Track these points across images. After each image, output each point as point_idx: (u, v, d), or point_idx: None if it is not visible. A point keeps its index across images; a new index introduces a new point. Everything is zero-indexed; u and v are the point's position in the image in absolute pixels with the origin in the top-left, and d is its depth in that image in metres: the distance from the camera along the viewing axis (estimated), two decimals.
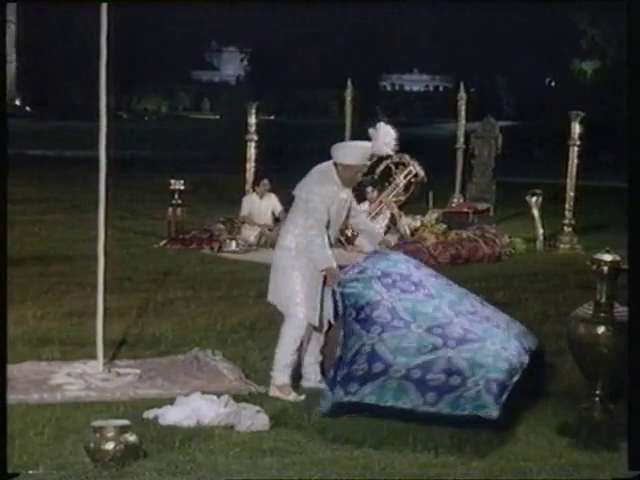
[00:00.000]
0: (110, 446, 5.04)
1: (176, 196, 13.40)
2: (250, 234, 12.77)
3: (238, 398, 6.04)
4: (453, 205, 15.10)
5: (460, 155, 15.77)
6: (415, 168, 13.05)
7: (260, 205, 12.96)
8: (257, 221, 12.92)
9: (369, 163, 7.09)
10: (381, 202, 12.78)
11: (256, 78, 58.88)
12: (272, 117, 46.21)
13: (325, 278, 6.27)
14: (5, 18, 5.08)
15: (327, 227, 6.31)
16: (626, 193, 5.19)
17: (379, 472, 5.10)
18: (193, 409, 5.76)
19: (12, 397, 5.64)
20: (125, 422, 5.25)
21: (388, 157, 13.43)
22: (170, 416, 5.73)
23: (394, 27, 53.11)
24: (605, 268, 5.59)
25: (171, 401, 5.93)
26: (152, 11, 44.81)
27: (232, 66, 69.95)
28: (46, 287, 9.56)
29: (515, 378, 5.64)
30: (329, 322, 6.43)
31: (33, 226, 13.94)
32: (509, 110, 47.50)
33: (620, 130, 5.41)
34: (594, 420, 5.69)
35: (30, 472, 4.93)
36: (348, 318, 5.99)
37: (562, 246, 13.15)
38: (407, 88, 67.93)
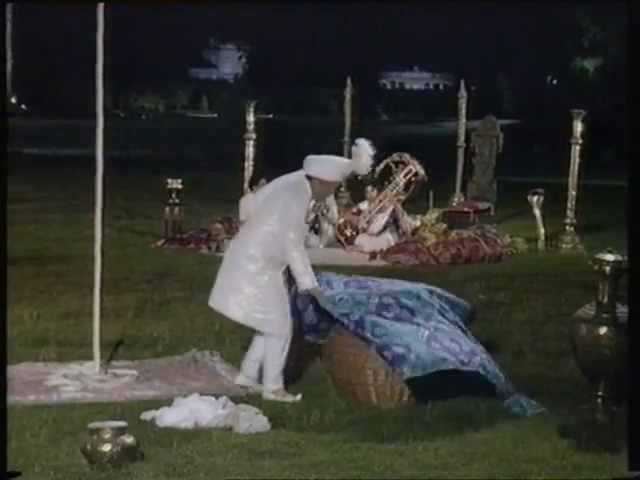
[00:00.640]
0: (107, 448, 5.03)
1: (173, 195, 13.36)
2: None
3: (236, 399, 6.03)
4: (454, 204, 15.06)
5: (461, 154, 15.74)
6: (415, 167, 13.01)
7: None
8: None
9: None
10: (381, 201, 12.73)
11: (254, 76, 58.87)
12: (270, 115, 46.17)
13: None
14: (5, 18, 5.05)
15: None
16: (626, 192, 5.16)
17: (378, 473, 5.08)
18: (191, 410, 5.75)
19: (8, 398, 5.58)
20: (122, 424, 5.25)
21: (388, 156, 13.43)
22: (168, 417, 5.71)
23: (394, 25, 53.14)
24: (607, 268, 5.56)
25: (169, 402, 5.92)
26: (149, 8, 44.79)
27: (230, 64, 69.93)
28: (42, 287, 9.54)
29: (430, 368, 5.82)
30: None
31: (29, 225, 13.91)
32: (510, 108, 47.45)
33: (622, 129, 5.39)
34: (596, 422, 5.66)
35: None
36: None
37: (564, 246, 13.11)
38: (407, 86, 67.95)
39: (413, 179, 13.03)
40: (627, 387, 5.24)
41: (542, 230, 13.18)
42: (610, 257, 5.56)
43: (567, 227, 13.25)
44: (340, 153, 15.45)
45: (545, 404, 6.17)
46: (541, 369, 7.04)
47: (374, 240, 12.38)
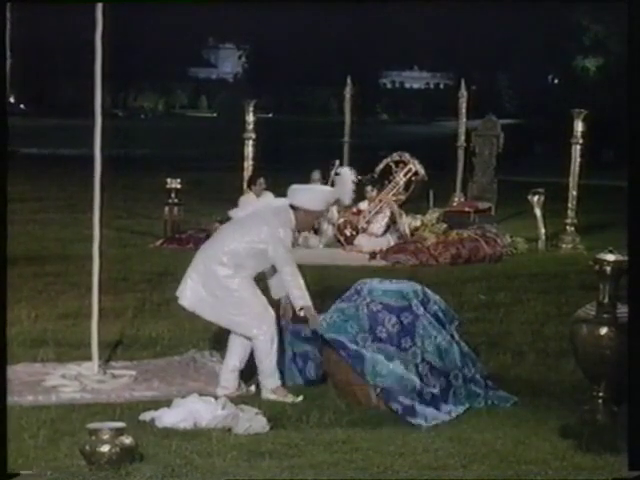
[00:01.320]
0: (106, 449, 5.00)
1: (172, 195, 13.36)
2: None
3: (236, 400, 6.00)
4: (454, 204, 15.05)
5: (461, 153, 15.73)
6: (415, 166, 13.00)
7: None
8: None
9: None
10: (381, 200, 12.72)
11: (254, 75, 58.87)
12: (270, 115, 46.21)
13: None
14: (5, 18, 5.03)
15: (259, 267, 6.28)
16: (627, 192, 5.14)
17: (378, 474, 5.06)
18: (190, 411, 5.73)
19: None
20: (121, 424, 5.23)
21: (388, 155, 13.43)
22: (167, 418, 5.69)
23: (394, 24, 53.12)
24: (608, 268, 5.55)
25: (168, 403, 5.91)
26: (148, 8, 44.79)
27: (229, 63, 69.93)
28: (40, 287, 9.53)
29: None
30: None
31: (27, 225, 13.90)
32: (511, 108, 47.48)
33: (623, 128, 5.37)
34: (597, 422, 5.65)
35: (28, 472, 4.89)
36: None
37: (564, 246, 13.10)
38: (407, 85, 67.97)
39: (413, 179, 13.03)
40: (627, 387, 5.23)
41: (542, 230, 13.17)
42: (611, 257, 5.55)
43: (567, 227, 13.25)
44: (340, 153, 15.48)
45: (545, 404, 6.16)
46: (541, 369, 7.03)
47: (374, 240, 12.37)
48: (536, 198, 13.38)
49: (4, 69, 5.25)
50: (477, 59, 50.64)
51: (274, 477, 5.00)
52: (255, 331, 6.24)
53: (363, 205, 12.79)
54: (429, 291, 6.45)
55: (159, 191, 14.22)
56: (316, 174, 12.70)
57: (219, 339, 7.56)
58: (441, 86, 63.96)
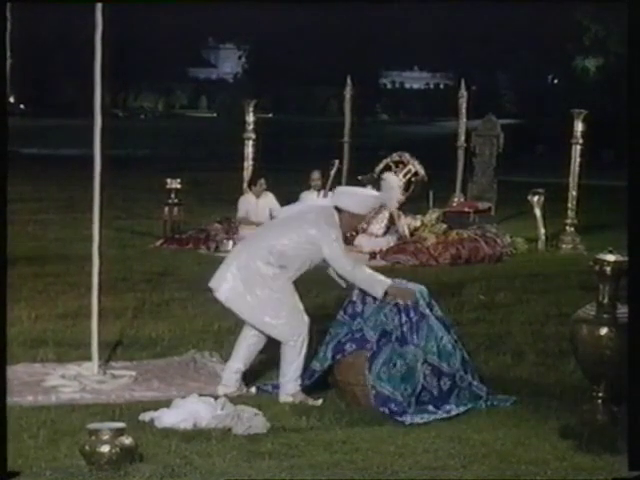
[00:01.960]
0: (105, 449, 5.00)
1: (172, 195, 13.35)
2: (247, 234, 12.68)
3: (236, 400, 5.99)
4: (454, 204, 15.03)
5: (461, 154, 15.72)
6: (415, 167, 12.99)
7: (257, 205, 12.87)
8: (254, 220, 12.84)
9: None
10: None
11: (254, 75, 58.86)
12: (270, 115, 46.21)
13: None
14: (5, 18, 5.02)
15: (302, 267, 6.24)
16: (626, 192, 5.14)
17: (378, 475, 5.05)
18: (190, 411, 5.72)
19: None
20: (121, 425, 5.22)
21: (387, 155, 13.42)
22: (166, 419, 5.69)
23: (394, 24, 53.12)
24: (608, 268, 5.54)
25: (167, 403, 5.89)
26: (148, 8, 44.78)
27: (230, 63, 69.91)
28: (40, 288, 9.51)
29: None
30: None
31: (27, 226, 13.89)
32: (511, 108, 47.48)
33: (623, 128, 5.35)
34: (597, 422, 5.64)
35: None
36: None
37: (564, 246, 13.10)
38: (407, 86, 67.98)
39: (413, 179, 13.02)
40: (627, 388, 5.22)
41: (542, 230, 13.17)
42: (611, 257, 5.54)
43: (567, 227, 13.24)
44: (340, 153, 15.47)
45: (545, 405, 6.15)
46: (541, 370, 7.02)
47: (374, 240, 12.36)
48: (536, 198, 13.37)
49: (4, 69, 5.24)
50: (477, 59, 50.65)
51: (274, 477, 4.99)
52: (288, 336, 6.19)
53: None
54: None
55: (159, 191, 14.21)
56: (316, 174, 12.69)
57: (219, 339, 7.57)
58: (441, 86, 63.97)
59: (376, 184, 12.94)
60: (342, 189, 6.56)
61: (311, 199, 12.20)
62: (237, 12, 53.75)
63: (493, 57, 51.84)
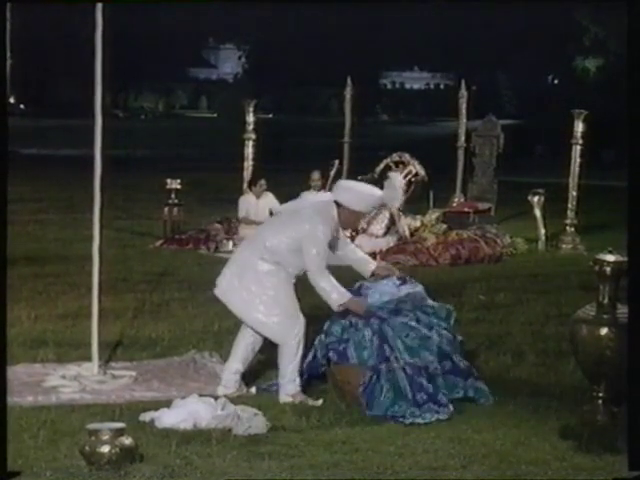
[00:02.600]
0: (105, 449, 5.00)
1: (172, 195, 13.35)
2: (247, 234, 12.67)
3: (236, 401, 5.99)
4: (454, 205, 15.03)
5: (461, 154, 15.70)
6: (415, 167, 12.99)
7: (257, 205, 12.87)
8: (254, 221, 12.84)
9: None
10: None
11: (254, 76, 58.82)
12: (270, 115, 46.17)
13: None
14: (5, 18, 5.03)
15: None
16: (626, 193, 5.14)
17: (378, 475, 5.06)
18: (190, 412, 5.72)
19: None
20: (121, 425, 5.22)
21: (388, 156, 13.42)
22: (166, 419, 5.68)
23: (394, 24, 53.10)
24: (608, 269, 5.53)
25: (167, 404, 5.89)
26: (148, 8, 44.80)
27: (230, 64, 69.84)
28: (40, 288, 9.51)
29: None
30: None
31: (27, 226, 13.89)
32: (511, 108, 47.44)
33: (623, 129, 5.35)
34: (597, 422, 5.63)
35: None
36: None
37: (564, 246, 13.09)
38: (407, 86, 67.89)
39: (413, 179, 13.01)
40: (627, 388, 5.21)
41: (542, 230, 13.17)
42: (611, 258, 5.54)
43: (567, 227, 13.24)
44: (340, 153, 15.47)
45: (545, 405, 6.15)
46: (541, 370, 7.02)
47: (374, 241, 12.35)
48: (536, 198, 13.37)
49: (4, 69, 5.24)
50: (477, 59, 50.62)
51: (274, 478, 4.99)
52: (280, 336, 6.16)
53: None
54: (416, 288, 6.36)
55: (159, 191, 14.21)
56: (316, 174, 12.69)
57: (219, 340, 7.57)
58: (441, 86, 63.89)
59: (377, 184, 12.95)
60: (344, 183, 6.44)
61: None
62: (237, 12, 53.74)
63: (493, 57, 51.79)
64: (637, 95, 5.20)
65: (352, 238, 12.58)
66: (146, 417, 5.75)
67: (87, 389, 6.37)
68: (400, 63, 64.91)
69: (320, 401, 6.15)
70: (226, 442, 5.42)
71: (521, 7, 42.42)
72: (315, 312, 6.47)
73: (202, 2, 43.81)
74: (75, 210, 14.74)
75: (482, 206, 14.66)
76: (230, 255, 12.58)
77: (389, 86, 66.86)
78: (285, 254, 6.13)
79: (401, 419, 5.86)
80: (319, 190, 12.51)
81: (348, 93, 16.20)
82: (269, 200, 12.86)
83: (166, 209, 13.33)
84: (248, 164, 13.88)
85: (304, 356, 6.26)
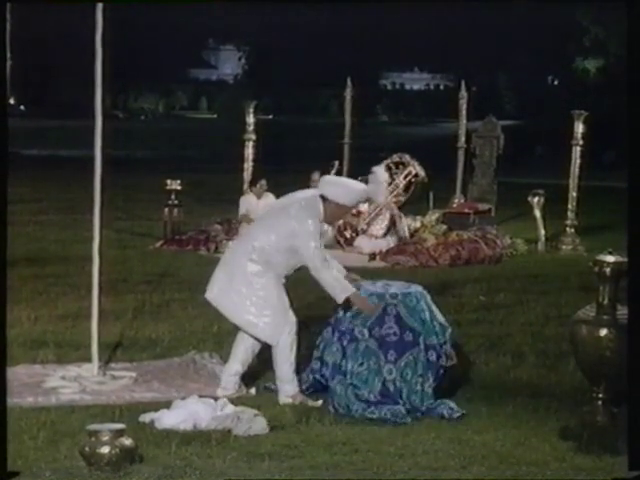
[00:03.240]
0: (105, 450, 5.00)
1: (172, 196, 13.35)
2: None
3: (235, 401, 5.99)
4: (454, 206, 15.03)
5: (461, 155, 15.71)
6: (415, 168, 12.98)
7: (258, 205, 12.87)
8: (254, 220, 12.84)
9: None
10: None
11: (254, 77, 58.86)
12: (270, 116, 46.20)
13: None
14: (5, 18, 5.03)
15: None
16: (626, 194, 5.14)
17: (378, 476, 5.06)
18: (190, 413, 5.72)
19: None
20: (121, 426, 5.22)
21: (388, 157, 13.41)
22: (166, 420, 5.68)
23: (394, 25, 53.11)
24: (608, 269, 5.54)
25: (167, 404, 5.90)
26: (149, 9, 44.80)
27: (230, 64, 69.90)
28: (40, 289, 9.50)
29: None
30: None
31: (27, 227, 13.88)
32: (511, 109, 47.48)
33: (624, 130, 5.35)
34: (596, 423, 5.64)
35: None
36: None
37: (564, 247, 13.10)
38: (407, 87, 67.95)
39: (413, 180, 13.01)
40: (627, 388, 5.22)
41: (542, 231, 13.17)
42: (610, 258, 5.54)
43: (567, 228, 13.24)
44: (340, 154, 15.48)
45: (545, 406, 6.15)
46: (541, 371, 7.02)
47: (374, 242, 12.35)
48: (536, 199, 13.37)
49: (4, 70, 5.24)
50: (477, 60, 50.63)
51: (274, 478, 4.99)
52: (271, 337, 6.15)
53: (363, 206, 12.76)
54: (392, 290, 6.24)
55: (159, 192, 14.20)
56: (316, 175, 12.68)
57: (219, 340, 7.56)
58: (441, 87, 63.94)
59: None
60: (329, 178, 6.43)
61: None
62: (237, 13, 53.74)
63: (493, 58, 51.80)
64: (637, 96, 5.21)
65: (352, 239, 12.61)
66: (146, 418, 5.75)
67: (87, 390, 6.37)
68: (400, 64, 64.98)
69: (320, 401, 6.15)
70: (226, 443, 5.42)
71: (521, 7, 42.41)
72: (309, 313, 6.47)
73: (202, 2, 43.81)
74: (75, 211, 14.72)
75: (482, 207, 14.66)
76: None
77: (389, 87, 66.91)
78: (274, 253, 6.11)
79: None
80: None
81: (348, 94, 16.20)
82: (269, 201, 12.86)
83: (166, 210, 13.33)
84: (248, 165, 13.88)
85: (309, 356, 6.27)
